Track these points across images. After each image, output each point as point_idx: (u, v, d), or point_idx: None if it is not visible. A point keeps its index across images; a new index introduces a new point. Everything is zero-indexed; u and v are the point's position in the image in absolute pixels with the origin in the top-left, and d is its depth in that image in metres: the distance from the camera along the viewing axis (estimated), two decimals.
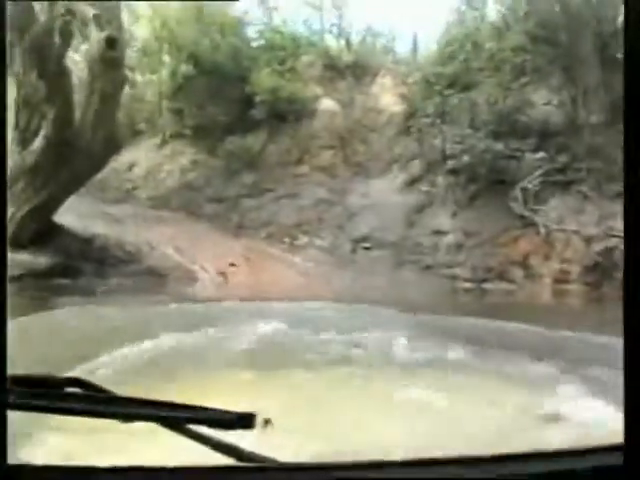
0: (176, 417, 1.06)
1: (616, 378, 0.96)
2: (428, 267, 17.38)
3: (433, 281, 16.75)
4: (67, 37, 14.34)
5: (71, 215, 15.69)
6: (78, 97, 14.63)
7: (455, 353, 5.75)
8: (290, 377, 4.83)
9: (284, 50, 22.46)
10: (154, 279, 15.11)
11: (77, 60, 16.62)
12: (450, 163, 18.66)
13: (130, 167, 21.45)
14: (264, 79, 20.88)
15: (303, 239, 18.68)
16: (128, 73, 18.63)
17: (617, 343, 0.98)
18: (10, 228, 14.25)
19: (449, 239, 17.74)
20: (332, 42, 24.15)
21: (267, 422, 1.09)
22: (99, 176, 17.64)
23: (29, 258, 13.98)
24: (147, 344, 5.53)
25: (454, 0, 22.61)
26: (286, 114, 21.10)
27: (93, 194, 18.39)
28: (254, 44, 23.49)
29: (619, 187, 12.59)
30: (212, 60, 21.37)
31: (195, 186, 20.48)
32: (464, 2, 22.47)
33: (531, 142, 18.33)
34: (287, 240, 18.62)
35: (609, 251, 14.49)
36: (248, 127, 20.94)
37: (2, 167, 1.12)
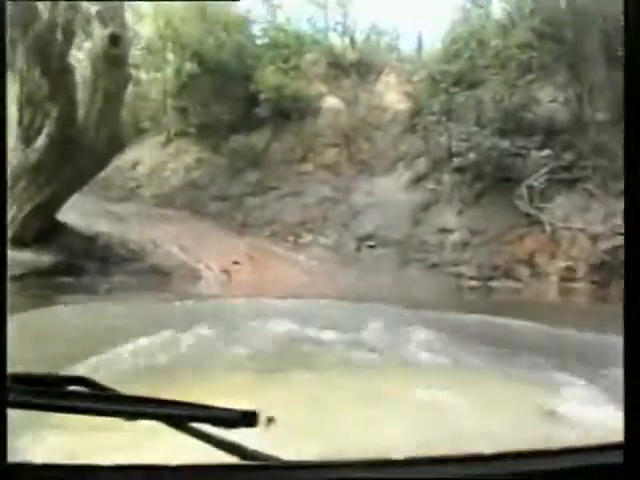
0: (179, 415, 1.05)
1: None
2: (434, 265, 17.33)
3: (439, 279, 16.69)
4: (70, 35, 14.30)
5: (75, 213, 15.65)
6: (82, 95, 14.58)
7: (462, 351, 5.68)
8: (295, 376, 4.77)
9: (288, 48, 22.44)
10: (158, 277, 15.07)
11: (81, 58, 16.58)
12: (456, 161, 18.59)
13: (134, 165, 21.45)
14: (268, 77, 20.85)
15: (307, 237, 18.65)
16: (132, 71, 18.61)
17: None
18: (13, 226, 14.24)
19: (455, 237, 17.68)
20: (336, 40, 24.16)
21: (270, 420, 1.08)
22: (103, 174, 17.63)
23: (32, 256, 13.94)
24: (146, 341, 5.47)
25: None
26: (290, 112, 21.06)
27: (97, 192, 18.37)
28: (258, 42, 23.50)
29: None
30: (216, 58, 21.36)
31: (199, 184, 20.46)
32: (469, 0, 22.43)
33: (537, 140, 18.25)
34: (291, 238, 18.58)
35: (615, 249, 14.38)
36: (252, 125, 20.93)
37: (2, 167, 1.11)
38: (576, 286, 15.69)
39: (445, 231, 17.87)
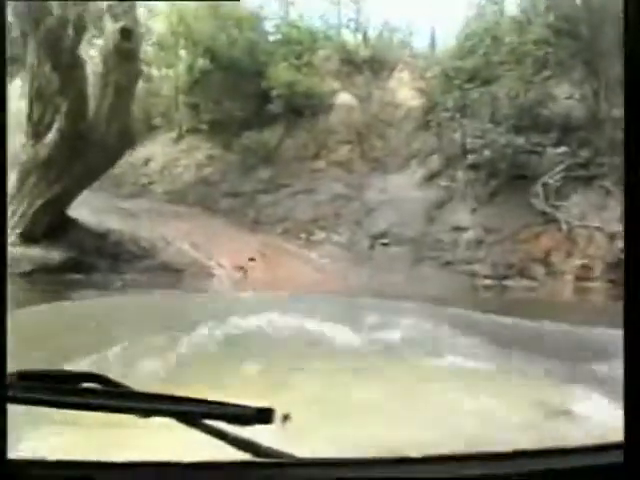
0: (194, 412, 1.04)
1: None
2: (448, 263, 17.17)
3: (453, 278, 16.52)
4: (81, 29, 14.22)
5: (86, 210, 15.59)
6: (92, 90, 14.52)
7: (478, 349, 5.56)
8: (312, 371, 4.66)
9: (301, 44, 22.37)
10: (169, 275, 14.98)
11: (92, 54, 16.53)
12: (470, 158, 18.41)
13: (146, 162, 21.41)
14: (281, 74, 20.76)
15: (320, 235, 18.51)
16: (144, 68, 18.59)
17: None
18: (23, 222, 14.20)
19: (469, 235, 17.51)
20: (349, 37, 24.13)
21: (286, 417, 1.08)
22: (115, 171, 17.59)
23: (42, 252, 13.88)
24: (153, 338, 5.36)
25: None
26: (303, 109, 20.96)
27: (108, 189, 18.34)
28: (271, 39, 23.44)
29: None
30: (229, 55, 21.33)
31: (211, 181, 20.38)
32: None
33: (553, 136, 18.08)
34: (303, 236, 18.46)
35: None
36: (264, 122, 20.83)
37: (2, 166, 1.09)
38: (592, 285, 15.50)
39: (459, 229, 17.71)
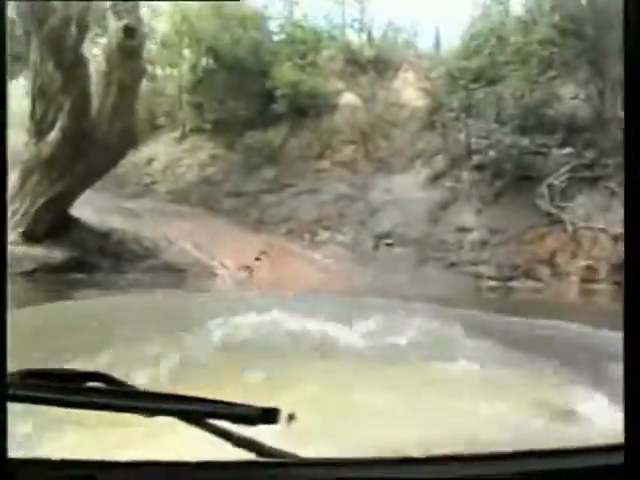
0: (199, 412, 1.04)
1: None
2: (452, 264, 17.09)
3: (457, 279, 16.44)
4: (84, 27, 14.16)
5: (88, 209, 15.54)
6: (96, 88, 14.46)
7: (483, 350, 5.49)
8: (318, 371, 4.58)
9: (305, 44, 22.30)
10: (172, 275, 14.92)
11: (96, 53, 16.48)
12: (475, 158, 18.34)
13: (149, 161, 21.34)
14: (285, 73, 20.71)
15: (324, 235, 18.44)
16: (148, 67, 18.52)
17: None
18: (25, 221, 14.15)
19: (474, 236, 17.43)
20: (353, 37, 24.04)
21: (291, 417, 1.07)
22: (118, 170, 17.54)
23: (44, 252, 13.82)
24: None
25: None
26: (307, 108, 20.90)
27: (111, 188, 18.29)
28: (275, 38, 23.37)
29: None
30: (232, 54, 21.27)
31: (214, 181, 20.31)
32: None
33: (558, 137, 17.99)
34: (307, 236, 18.38)
35: None
36: (268, 121, 20.78)
37: (2, 165, 1.06)
38: (597, 287, 15.41)
39: (464, 230, 17.63)
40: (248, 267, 15.97)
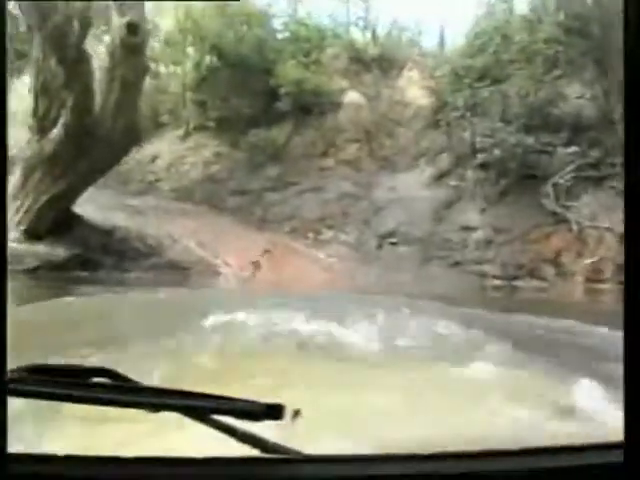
0: (204, 407, 1.05)
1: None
2: (456, 263, 17.02)
3: (462, 278, 16.38)
4: (87, 24, 14.09)
5: (91, 206, 15.50)
6: (99, 84, 14.38)
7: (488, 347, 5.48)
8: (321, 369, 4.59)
9: (309, 42, 22.23)
10: (175, 273, 14.87)
11: (99, 50, 16.42)
12: (480, 157, 18.25)
13: (153, 159, 21.31)
14: (289, 71, 20.65)
15: (327, 234, 18.38)
16: (152, 65, 18.47)
17: None
18: (27, 218, 14.11)
19: (478, 235, 17.35)
20: (358, 35, 24.02)
21: (297, 413, 1.07)
22: (121, 168, 17.50)
23: (46, 249, 13.78)
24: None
25: None
26: (311, 107, 20.84)
27: (115, 186, 18.29)
28: (279, 36, 23.32)
29: None
30: (236, 52, 21.22)
31: (218, 179, 20.25)
32: None
33: (563, 136, 17.93)
34: (311, 235, 18.32)
35: None
36: (272, 119, 20.71)
37: (2, 164, 1.08)
38: (603, 287, 15.34)
39: (468, 229, 17.56)
40: (255, 262, 15.93)
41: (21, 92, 16.61)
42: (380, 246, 17.89)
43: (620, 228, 15.26)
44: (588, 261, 16.02)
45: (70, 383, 1.07)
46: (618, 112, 16.64)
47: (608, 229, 15.93)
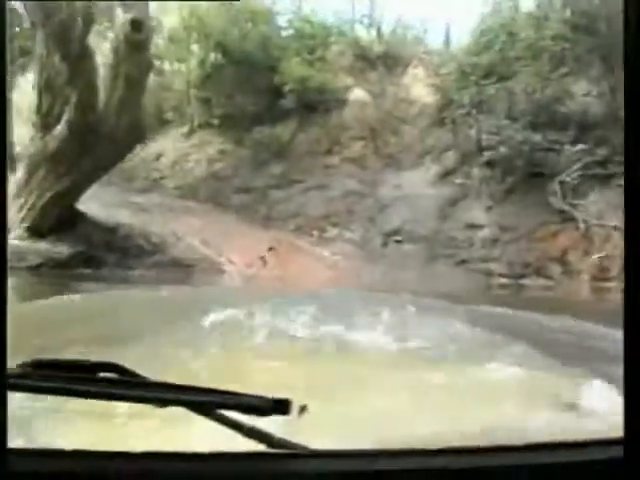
0: (210, 402, 1.05)
1: None
2: (462, 262, 16.93)
3: (467, 276, 16.29)
4: (90, 19, 14.02)
5: (95, 204, 15.45)
6: (103, 82, 14.32)
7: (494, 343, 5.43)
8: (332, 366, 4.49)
9: (314, 39, 22.15)
10: (179, 271, 14.81)
11: (104, 48, 16.35)
12: (486, 155, 18.14)
13: (157, 157, 21.27)
14: (293, 68, 20.56)
15: (332, 232, 18.30)
16: (156, 62, 18.41)
17: None
18: (31, 216, 14.05)
19: (484, 233, 17.27)
20: (363, 32, 23.91)
21: (303, 408, 1.08)
22: (126, 165, 17.45)
23: (50, 246, 13.72)
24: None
25: None
26: (316, 104, 20.74)
27: (119, 183, 18.26)
28: (283, 33, 23.26)
29: None
30: (241, 49, 21.15)
31: (222, 176, 20.17)
32: None
33: (570, 134, 17.80)
34: (316, 232, 18.24)
35: None
36: (277, 117, 20.66)
37: (2, 162, 1.06)
38: (610, 285, 15.23)
39: (474, 227, 17.48)
40: (262, 257, 15.88)
41: (25, 89, 16.56)
42: (385, 244, 17.81)
43: None
44: (596, 261, 15.92)
45: (77, 378, 1.07)
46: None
47: (615, 227, 15.81)
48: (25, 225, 13.92)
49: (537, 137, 17.52)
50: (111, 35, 15.67)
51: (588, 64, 18.76)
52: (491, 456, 0.98)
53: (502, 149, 17.67)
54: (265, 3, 23.32)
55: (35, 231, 13.76)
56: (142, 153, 19.44)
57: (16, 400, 1.00)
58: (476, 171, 18.36)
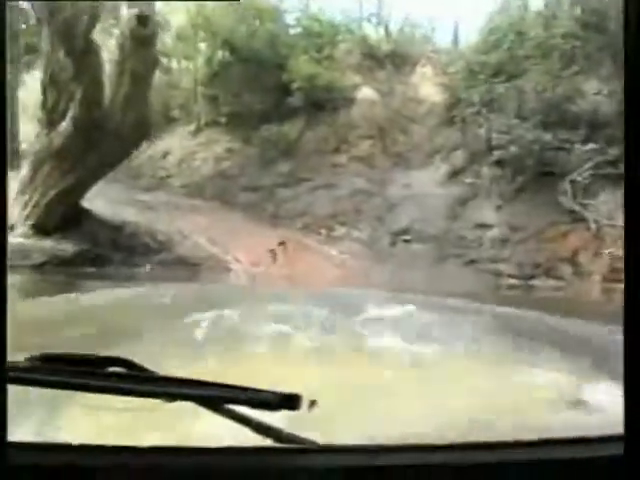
0: (219, 397, 1.05)
1: None
2: (471, 262, 16.78)
3: (477, 276, 16.14)
4: (94, 14, 13.91)
5: (101, 202, 15.37)
6: (108, 78, 14.21)
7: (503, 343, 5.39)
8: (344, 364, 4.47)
9: (321, 37, 22.08)
10: (185, 269, 14.72)
11: (110, 44, 16.27)
12: (496, 154, 18.00)
13: (164, 155, 21.25)
14: (301, 66, 20.49)
15: (340, 230, 18.20)
16: (163, 60, 18.34)
17: None
18: (35, 213, 13.96)
19: (494, 233, 17.12)
20: (371, 30, 23.85)
21: (313, 403, 1.05)
22: (133, 163, 17.39)
23: (54, 244, 13.62)
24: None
25: None
26: (324, 102, 20.66)
27: (126, 181, 18.22)
28: (291, 31, 23.18)
29: None
30: (248, 47, 21.12)
31: (230, 175, 20.09)
32: None
33: (581, 133, 17.63)
34: (323, 231, 18.13)
35: None
36: (284, 115, 20.57)
37: (2, 161, 0.99)
38: (620, 286, 15.04)
39: (483, 227, 17.35)
40: (272, 250, 15.82)
41: (31, 86, 16.50)
42: (394, 243, 17.69)
43: None
44: (606, 262, 15.75)
45: (86, 372, 1.06)
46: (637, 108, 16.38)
47: None
48: (30, 223, 13.83)
49: (547, 136, 17.37)
50: (117, 32, 15.58)
51: (599, 62, 18.62)
52: (492, 452, 0.98)
53: (512, 148, 17.52)
54: (272, 1, 23.30)
55: (40, 229, 13.66)
56: (149, 151, 19.44)
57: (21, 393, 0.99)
58: (486, 170, 18.23)
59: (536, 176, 17.34)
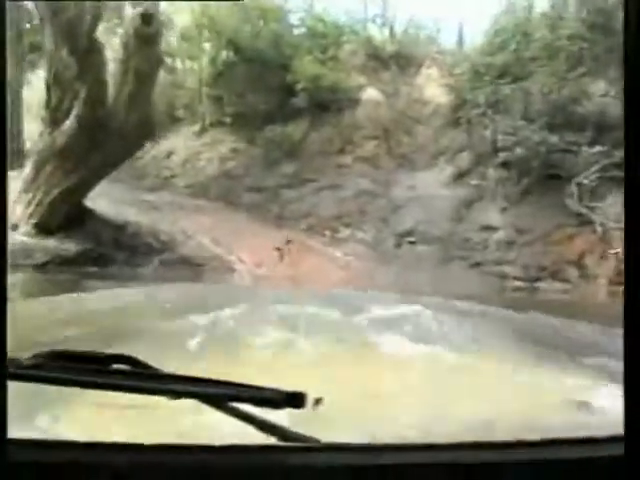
0: (224, 395, 1.05)
1: None
2: (477, 264, 16.69)
3: (482, 279, 16.04)
4: (98, 13, 13.87)
5: (105, 201, 15.33)
6: (112, 77, 14.17)
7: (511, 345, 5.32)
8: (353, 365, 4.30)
9: (326, 38, 22.04)
10: (189, 269, 14.66)
11: (113, 43, 16.23)
12: (501, 156, 17.91)
13: (168, 155, 21.23)
14: (306, 67, 20.44)
15: (345, 232, 18.13)
16: (168, 60, 18.30)
17: None
18: (38, 212, 13.91)
19: (499, 235, 17.02)
20: (375, 31, 23.87)
21: (318, 401, 1.09)
22: (137, 163, 17.34)
23: (57, 244, 13.58)
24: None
25: None
26: (328, 103, 20.61)
27: (130, 181, 18.20)
28: (295, 32, 23.16)
29: None
30: (253, 47, 21.11)
31: (234, 175, 20.04)
32: None
33: (588, 135, 17.50)
34: (328, 233, 18.06)
35: None
36: (289, 116, 20.53)
37: (2, 160, 0.97)
38: None
39: (489, 229, 17.26)
40: (278, 248, 15.80)
41: (35, 85, 16.45)
42: (398, 245, 17.61)
43: None
44: (613, 265, 15.64)
45: (91, 369, 1.07)
46: None
47: None
48: (33, 222, 13.78)
49: (554, 138, 17.25)
50: (121, 31, 15.53)
51: (605, 64, 18.49)
52: (494, 452, 0.99)
53: (518, 150, 17.44)
54: (276, 1, 23.30)
55: (43, 228, 13.61)
56: (153, 151, 19.42)
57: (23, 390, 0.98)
58: (491, 172, 18.14)
59: (542, 178, 17.24)
